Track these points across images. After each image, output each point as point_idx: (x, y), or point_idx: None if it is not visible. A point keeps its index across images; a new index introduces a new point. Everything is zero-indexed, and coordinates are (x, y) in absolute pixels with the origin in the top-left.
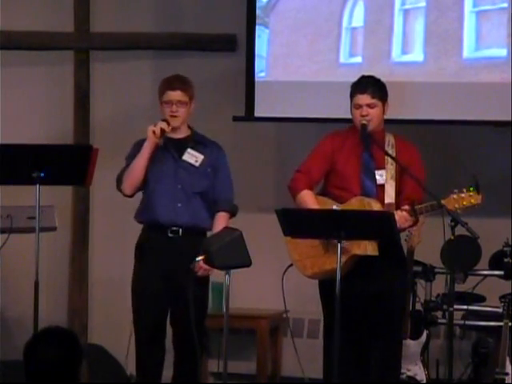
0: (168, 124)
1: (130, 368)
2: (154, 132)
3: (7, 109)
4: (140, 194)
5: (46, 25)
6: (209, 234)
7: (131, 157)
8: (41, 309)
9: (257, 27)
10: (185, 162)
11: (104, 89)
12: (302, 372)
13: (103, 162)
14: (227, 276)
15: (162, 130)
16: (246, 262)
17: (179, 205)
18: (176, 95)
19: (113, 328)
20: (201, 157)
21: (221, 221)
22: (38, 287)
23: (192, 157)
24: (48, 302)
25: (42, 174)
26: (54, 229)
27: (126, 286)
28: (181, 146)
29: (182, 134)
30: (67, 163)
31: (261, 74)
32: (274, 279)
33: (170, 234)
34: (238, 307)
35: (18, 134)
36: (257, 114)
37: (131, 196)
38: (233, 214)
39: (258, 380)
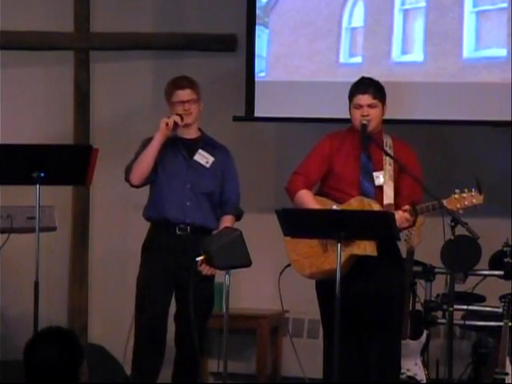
0: (181, 118)
1: (130, 368)
2: (166, 124)
3: (7, 109)
4: (145, 191)
5: (46, 25)
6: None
7: (140, 152)
8: (41, 309)
9: (257, 27)
10: (195, 162)
11: (104, 89)
12: (301, 372)
13: (103, 161)
14: (227, 276)
15: (175, 123)
16: (246, 262)
17: (188, 203)
18: (186, 94)
19: (113, 328)
20: (211, 158)
21: (227, 224)
22: (38, 287)
23: (203, 158)
24: (48, 302)
25: (42, 174)
26: (54, 229)
27: (125, 286)
28: (191, 146)
29: (192, 134)
30: (67, 163)
31: (261, 74)
32: (273, 279)
33: (178, 232)
34: (237, 307)
35: (18, 134)
36: (257, 114)
37: (138, 187)
38: (238, 217)
39: (258, 380)
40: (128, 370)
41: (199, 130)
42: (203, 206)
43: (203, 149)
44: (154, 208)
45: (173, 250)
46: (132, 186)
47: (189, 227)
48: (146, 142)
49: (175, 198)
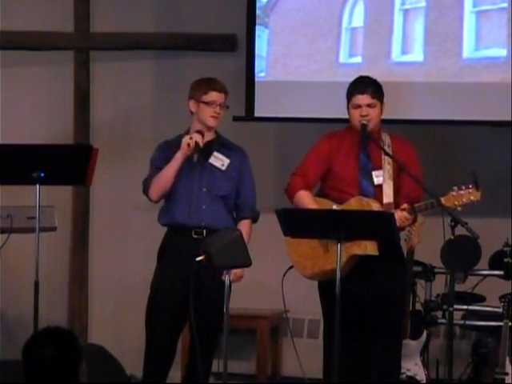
0: (202, 136)
1: (130, 368)
2: (188, 145)
3: (7, 109)
4: None
5: (46, 25)
6: None
7: (156, 160)
8: (41, 309)
9: (257, 27)
10: (211, 165)
11: (104, 89)
12: (302, 372)
13: (103, 161)
14: (227, 276)
15: (197, 144)
16: (246, 262)
17: (204, 207)
18: (221, 97)
19: (113, 328)
20: (227, 161)
21: (245, 227)
22: (38, 287)
23: (218, 160)
24: (48, 302)
25: (42, 174)
26: (54, 229)
27: (125, 286)
28: (206, 148)
29: (208, 136)
30: (67, 163)
31: (261, 74)
32: (274, 279)
33: (194, 236)
34: (238, 307)
35: (18, 134)
36: (257, 114)
37: (157, 202)
38: (255, 220)
39: (258, 380)
40: (128, 370)
41: (215, 131)
42: (219, 208)
43: (218, 151)
44: (169, 213)
45: (190, 255)
46: (151, 201)
47: (205, 231)
48: (162, 148)
49: (191, 201)
